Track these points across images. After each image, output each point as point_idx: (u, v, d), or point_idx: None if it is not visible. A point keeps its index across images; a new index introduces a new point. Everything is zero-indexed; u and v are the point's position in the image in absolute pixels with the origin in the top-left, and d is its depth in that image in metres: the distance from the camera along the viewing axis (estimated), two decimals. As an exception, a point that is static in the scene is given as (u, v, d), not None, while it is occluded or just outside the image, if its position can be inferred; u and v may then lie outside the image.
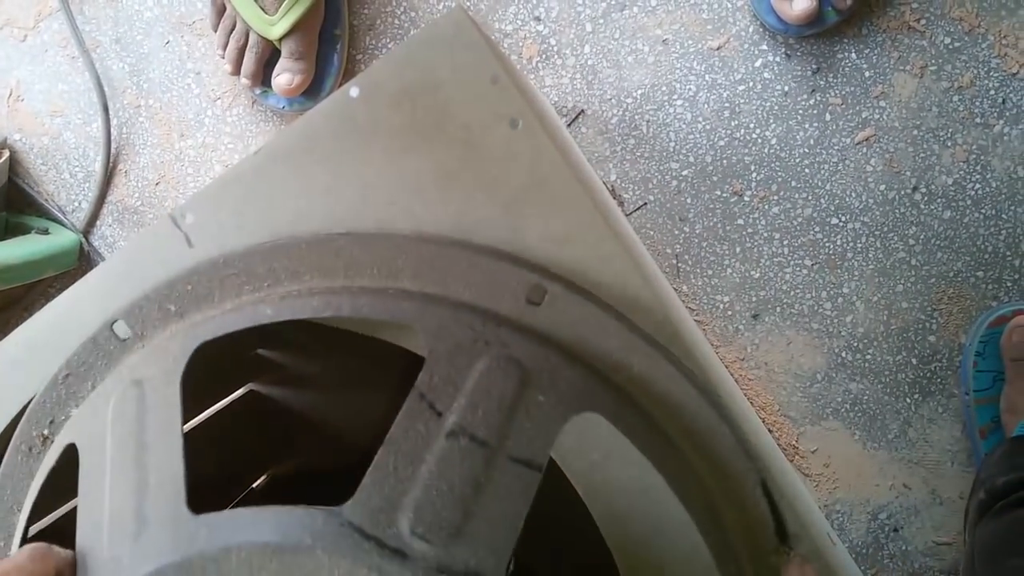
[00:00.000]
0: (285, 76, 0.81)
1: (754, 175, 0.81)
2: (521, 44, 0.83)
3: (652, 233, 0.83)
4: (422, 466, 0.30)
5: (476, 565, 0.29)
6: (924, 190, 0.79)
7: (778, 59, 0.80)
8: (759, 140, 0.81)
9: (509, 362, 0.33)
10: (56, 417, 0.40)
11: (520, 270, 0.36)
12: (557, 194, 0.37)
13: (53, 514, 0.44)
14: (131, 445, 0.35)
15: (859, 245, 0.81)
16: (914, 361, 0.81)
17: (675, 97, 0.82)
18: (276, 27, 0.79)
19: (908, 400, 0.81)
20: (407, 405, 0.32)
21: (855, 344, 0.82)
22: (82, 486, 0.36)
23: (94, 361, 0.39)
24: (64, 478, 0.38)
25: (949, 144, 0.79)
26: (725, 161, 0.82)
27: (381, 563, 0.28)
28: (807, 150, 0.80)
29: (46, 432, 0.40)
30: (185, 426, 0.57)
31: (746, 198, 0.82)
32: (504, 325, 0.35)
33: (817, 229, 0.81)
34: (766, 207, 0.81)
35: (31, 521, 0.40)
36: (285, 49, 0.81)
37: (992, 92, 0.78)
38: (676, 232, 0.83)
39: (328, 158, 0.39)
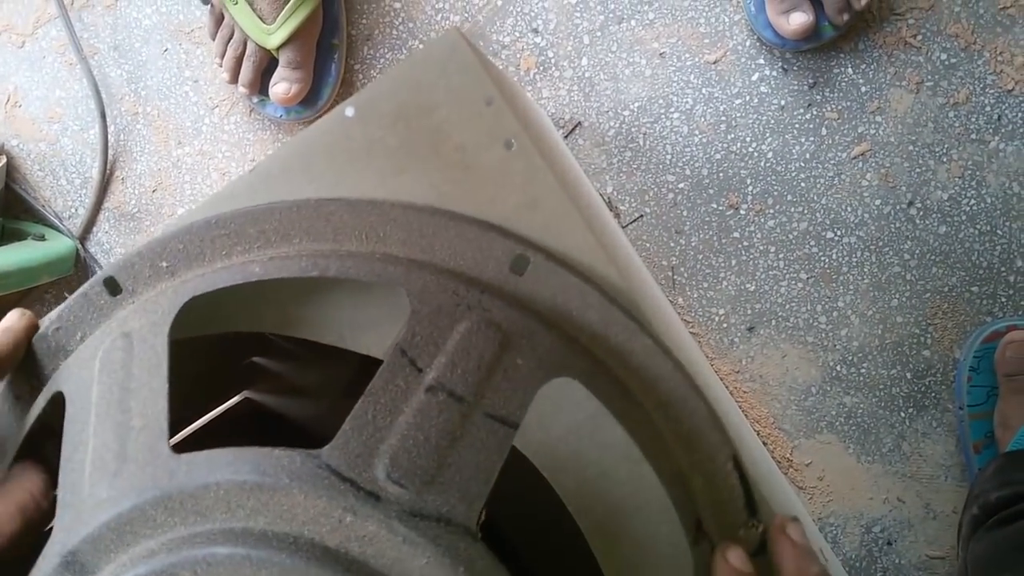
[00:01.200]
0: (282, 85, 0.81)
1: (750, 188, 0.81)
2: (519, 56, 0.83)
3: (648, 245, 0.83)
4: (400, 417, 0.31)
5: (448, 511, 0.30)
6: (919, 205, 0.79)
7: (775, 73, 0.80)
8: (755, 154, 0.81)
9: (490, 326, 0.34)
10: (46, 367, 0.40)
11: (505, 240, 0.36)
12: (551, 215, 0.37)
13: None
14: (116, 391, 0.36)
15: (854, 259, 0.81)
16: (908, 375, 0.81)
17: (672, 110, 0.82)
18: (274, 36, 0.79)
19: (902, 414, 0.81)
20: (388, 360, 0.32)
21: (850, 358, 0.82)
22: (67, 432, 0.36)
23: (84, 315, 0.40)
24: (52, 427, 0.39)
25: (945, 160, 0.79)
26: (721, 174, 0.82)
27: (355, 504, 0.29)
28: (803, 164, 0.81)
29: (35, 382, 0.40)
30: (180, 434, 0.58)
31: (742, 211, 0.82)
32: (487, 291, 0.35)
33: (812, 243, 0.81)
34: (762, 220, 0.82)
35: None
36: (283, 58, 0.81)
37: (988, 108, 0.78)
38: (672, 244, 0.83)
39: (322, 177, 0.39)
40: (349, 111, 0.38)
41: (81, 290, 0.41)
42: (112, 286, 0.41)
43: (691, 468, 0.36)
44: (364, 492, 0.30)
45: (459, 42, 0.37)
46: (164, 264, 0.40)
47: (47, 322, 0.41)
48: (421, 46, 0.85)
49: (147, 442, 0.34)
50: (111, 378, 0.37)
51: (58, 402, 0.39)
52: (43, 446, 0.41)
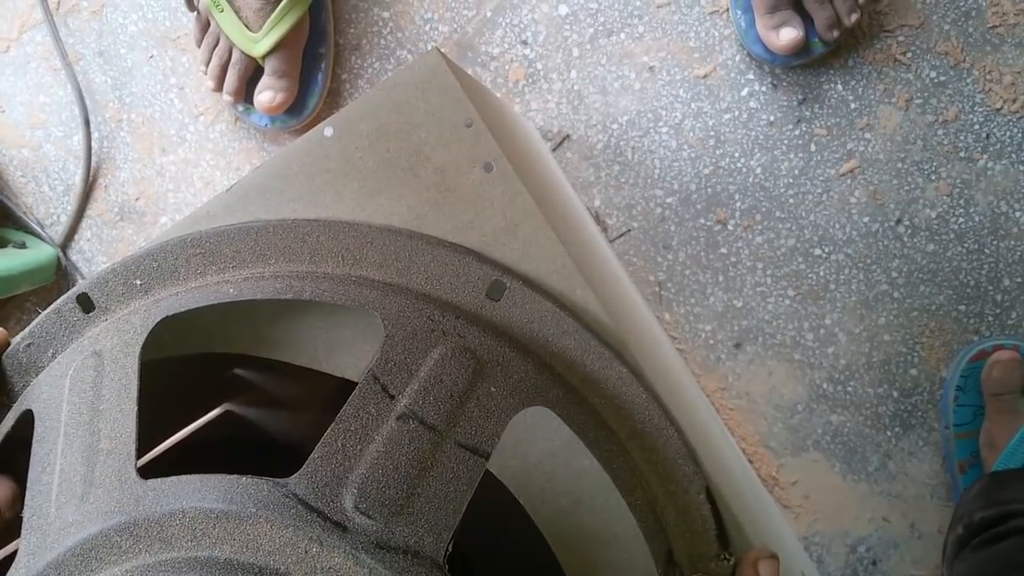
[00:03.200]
0: (267, 94, 0.81)
1: (738, 204, 0.81)
2: (508, 68, 0.83)
3: (635, 260, 0.83)
4: (371, 445, 0.31)
5: (415, 543, 0.29)
6: (908, 223, 0.79)
7: (764, 89, 0.80)
8: (744, 169, 0.81)
9: (464, 352, 0.34)
10: (16, 384, 0.40)
11: (482, 265, 0.36)
12: (530, 240, 0.37)
13: None
14: (86, 412, 0.35)
15: (842, 277, 0.80)
16: (895, 394, 0.81)
17: (661, 124, 0.81)
18: (260, 44, 0.79)
19: (889, 433, 0.81)
20: (360, 386, 0.32)
21: (836, 376, 0.81)
22: (35, 450, 0.36)
23: (57, 331, 0.40)
24: (21, 445, 0.38)
25: (933, 178, 0.79)
26: (709, 189, 0.81)
27: (322, 535, 0.29)
28: (791, 180, 0.80)
29: (4, 399, 0.40)
30: (156, 449, 0.57)
31: (730, 227, 0.81)
32: (462, 317, 0.35)
33: (800, 259, 0.81)
34: (750, 236, 0.81)
35: None
36: (268, 67, 0.80)
37: (976, 127, 0.78)
38: (660, 260, 0.83)
39: (300, 197, 0.38)
40: (328, 131, 0.38)
41: (54, 306, 0.40)
42: (85, 303, 0.40)
43: (664, 498, 0.36)
44: (331, 523, 0.29)
45: (439, 64, 0.36)
46: (138, 282, 0.39)
47: (19, 339, 0.40)
48: (409, 56, 0.84)
49: (114, 466, 0.33)
50: (81, 398, 0.36)
51: (27, 420, 0.38)
52: (13, 458, 0.40)
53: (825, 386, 0.82)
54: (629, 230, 0.83)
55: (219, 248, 0.38)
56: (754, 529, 0.39)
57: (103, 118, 0.89)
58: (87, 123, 0.87)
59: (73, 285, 0.91)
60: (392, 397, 0.32)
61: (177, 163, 0.88)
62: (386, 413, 0.32)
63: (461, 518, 0.30)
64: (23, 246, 0.87)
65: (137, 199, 0.89)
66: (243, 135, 0.87)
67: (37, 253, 0.87)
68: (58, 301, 0.39)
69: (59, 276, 0.89)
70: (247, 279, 0.38)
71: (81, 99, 0.87)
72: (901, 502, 0.81)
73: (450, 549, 0.30)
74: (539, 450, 0.38)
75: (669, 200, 0.82)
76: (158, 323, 0.36)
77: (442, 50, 0.83)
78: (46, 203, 0.90)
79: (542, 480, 0.38)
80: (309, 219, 0.38)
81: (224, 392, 0.66)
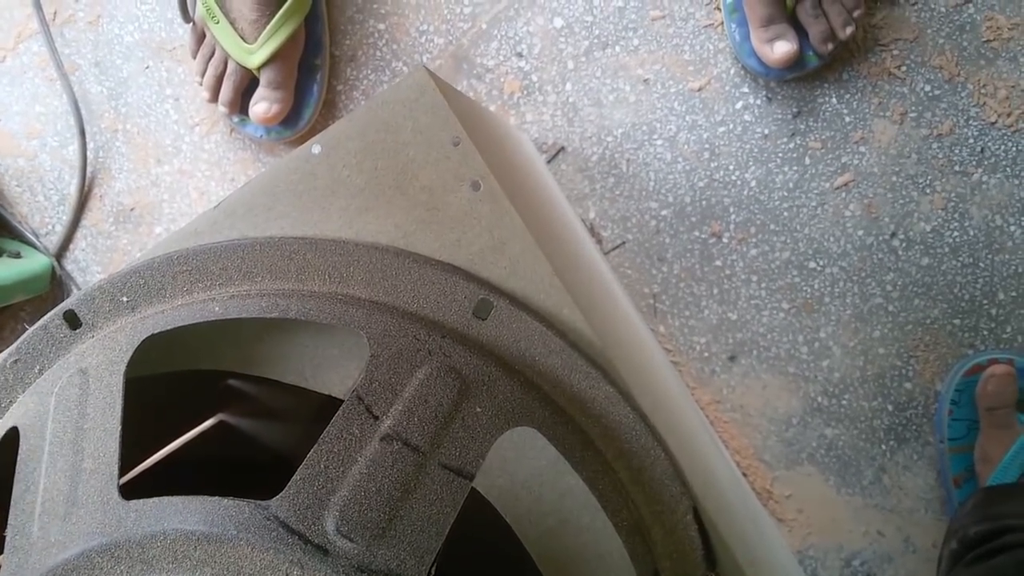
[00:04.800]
0: (262, 105, 0.81)
1: (733, 217, 0.81)
2: (503, 80, 0.83)
3: (630, 272, 0.83)
4: (353, 467, 0.31)
5: (397, 566, 0.29)
6: (902, 236, 0.79)
7: (759, 102, 0.80)
8: (738, 182, 0.81)
9: (450, 372, 0.34)
10: (2, 401, 0.40)
11: (469, 284, 0.36)
12: (517, 259, 0.37)
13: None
14: (70, 430, 0.35)
15: (836, 290, 0.80)
16: (890, 407, 0.80)
17: (655, 137, 0.81)
18: (255, 56, 0.79)
19: (883, 447, 0.81)
20: (344, 407, 0.32)
21: (831, 389, 0.81)
22: (19, 468, 0.36)
23: (44, 348, 0.40)
24: (5, 461, 0.38)
25: (928, 191, 0.79)
26: (704, 202, 0.81)
27: (303, 558, 0.29)
28: (786, 193, 0.80)
29: None
30: (152, 458, 0.57)
31: (724, 240, 0.81)
32: (448, 336, 0.35)
33: (795, 272, 0.81)
34: (744, 249, 0.81)
35: None
36: (263, 78, 0.81)
37: (971, 140, 0.78)
38: (654, 272, 0.82)
39: (287, 215, 0.38)
40: (315, 149, 0.38)
41: (41, 322, 0.40)
42: (72, 319, 0.40)
43: (651, 519, 0.36)
44: (312, 546, 0.29)
45: (427, 82, 0.36)
46: (125, 299, 0.39)
47: (5, 355, 0.40)
48: (404, 68, 0.84)
49: (97, 486, 0.33)
50: (66, 416, 0.36)
51: (13, 438, 0.38)
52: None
53: (820, 399, 0.81)
54: (624, 242, 0.83)
55: (206, 265, 0.38)
56: (745, 547, 0.38)
57: (99, 128, 0.89)
58: (83, 133, 0.87)
59: (68, 295, 0.91)
60: (376, 418, 0.32)
61: (172, 173, 0.88)
62: (370, 434, 0.32)
63: (445, 539, 0.30)
64: (18, 256, 0.87)
65: (132, 209, 0.89)
66: (239, 146, 0.87)
67: (32, 263, 0.86)
68: (45, 317, 0.39)
69: (54, 286, 0.89)
70: (234, 297, 0.38)
71: (77, 109, 0.87)
72: (896, 516, 0.81)
73: (433, 572, 0.30)
74: (526, 469, 0.38)
75: (664, 212, 0.82)
76: (144, 341, 0.36)
77: (438, 62, 0.83)
78: (41, 213, 0.90)
79: (529, 500, 0.38)
80: (296, 237, 0.38)
81: (218, 402, 0.66)
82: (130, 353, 0.36)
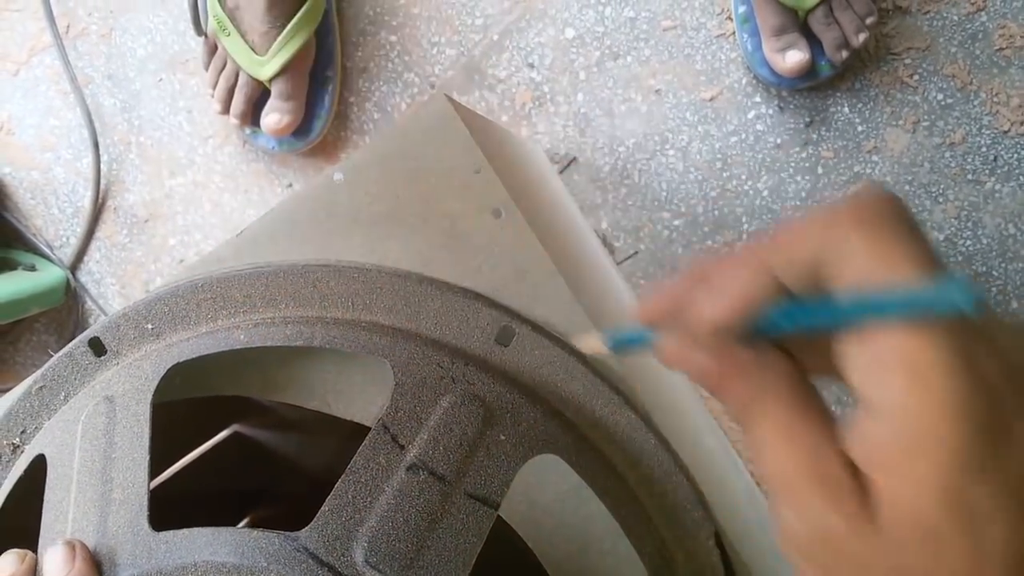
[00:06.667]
0: (273, 116, 0.81)
1: (745, 226, 0.81)
2: (515, 91, 0.83)
3: (643, 282, 0.83)
4: (381, 497, 0.31)
5: None
6: (915, 245, 0.79)
7: (771, 111, 0.80)
8: (751, 191, 0.81)
9: (474, 400, 0.34)
10: (28, 427, 0.40)
11: (491, 310, 0.36)
12: (539, 285, 0.37)
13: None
14: (98, 459, 0.36)
15: (849, 299, 0.80)
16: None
17: (667, 147, 0.82)
18: (266, 67, 0.79)
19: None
20: (370, 436, 0.32)
21: (845, 399, 0.81)
22: (48, 496, 0.36)
23: (69, 375, 0.40)
24: (32, 487, 0.38)
25: (941, 200, 0.79)
26: (716, 212, 0.81)
27: None
28: (799, 203, 0.80)
29: (17, 441, 0.40)
30: (162, 475, 0.57)
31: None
32: (472, 363, 0.35)
33: (808, 282, 0.81)
34: (757, 258, 0.81)
35: None
36: (275, 89, 0.81)
37: (984, 149, 0.78)
38: (667, 282, 0.82)
39: (310, 242, 0.38)
40: (337, 176, 0.38)
41: (66, 349, 0.41)
42: (97, 347, 0.40)
43: (673, 544, 0.36)
44: None
45: (447, 110, 0.36)
46: (149, 326, 0.39)
47: (30, 381, 0.41)
48: (416, 79, 0.85)
49: (127, 517, 0.34)
50: (93, 445, 0.37)
51: (39, 465, 0.38)
52: (25, 513, 0.40)
53: (836, 410, 0.81)
54: (636, 252, 0.83)
55: (229, 292, 0.38)
56: (767, 572, 0.39)
57: (112, 141, 0.89)
58: (96, 146, 0.88)
59: (82, 307, 0.91)
60: (402, 447, 0.32)
61: (186, 185, 0.88)
62: (396, 464, 0.32)
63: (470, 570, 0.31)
64: (33, 268, 0.87)
65: (146, 221, 0.89)
66: (251, 157, 0.88)
67: (46, 276, 0.87)
68: (70, 344, 0.40)
69: (68, 298, 0.89)
70: (257, 324, 0.38)
71: (90, 122, 0.88)
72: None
73: None
74: (548, 494, 0.38)
75: (676, 222, 0.82)
76: (170, 369, 0.36)
77: (449, 73, 0.83)
78: (55, 225, 0.91)
79: (551, 524, 0.38)
80: (319, 263, 0.38)
81: (234, 413, 0.66)
82: (156, 381, 0.36)
